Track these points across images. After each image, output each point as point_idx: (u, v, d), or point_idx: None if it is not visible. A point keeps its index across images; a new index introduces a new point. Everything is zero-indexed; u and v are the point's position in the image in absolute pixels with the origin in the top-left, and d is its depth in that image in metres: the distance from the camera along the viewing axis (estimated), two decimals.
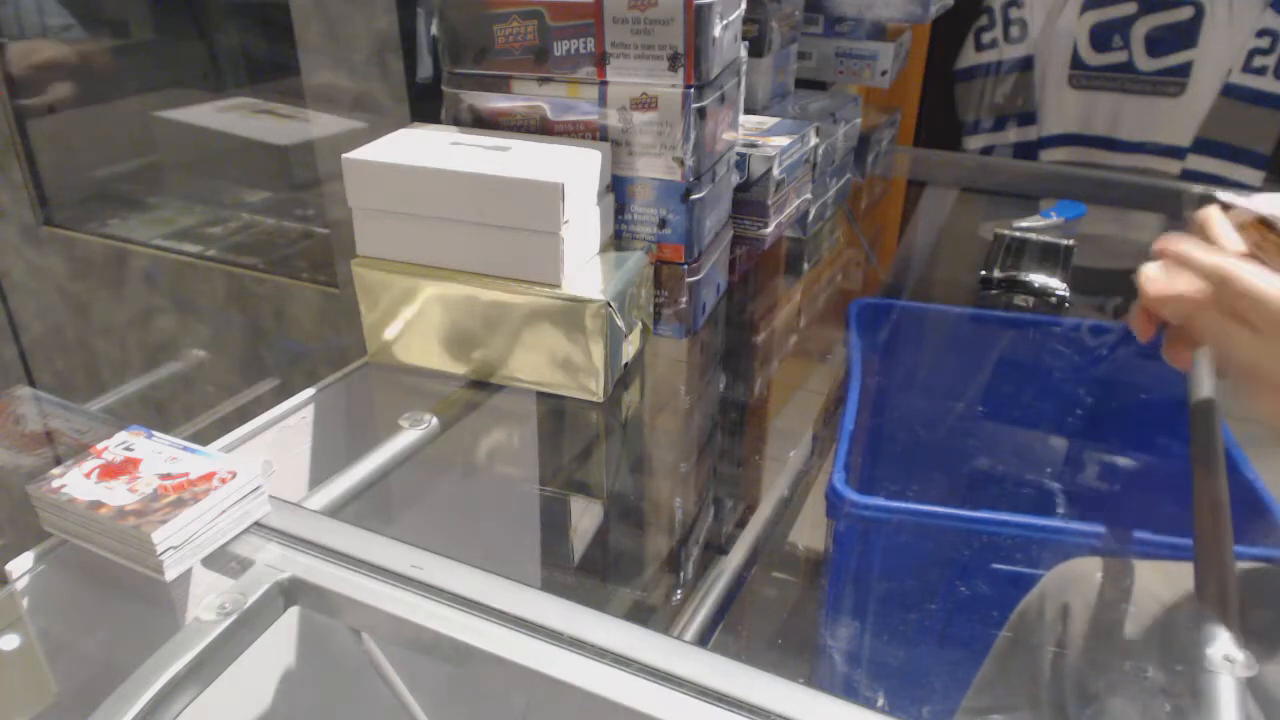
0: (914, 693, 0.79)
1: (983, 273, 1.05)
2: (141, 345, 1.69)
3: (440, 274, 0.71)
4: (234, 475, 0.53)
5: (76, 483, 0.52)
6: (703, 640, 0.65)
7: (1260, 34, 1.36)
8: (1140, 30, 1.42)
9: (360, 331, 0.75)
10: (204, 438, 0.60)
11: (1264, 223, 0.56)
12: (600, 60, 0.71)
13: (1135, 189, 1.35)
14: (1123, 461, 1.00)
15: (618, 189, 0.75)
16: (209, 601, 0.48)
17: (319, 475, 0.70)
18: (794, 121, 0.97)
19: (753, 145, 0.87)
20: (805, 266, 1.09)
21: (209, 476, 0.53)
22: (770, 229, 0.90)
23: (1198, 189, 1.29)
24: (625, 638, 0.46)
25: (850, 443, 0.80)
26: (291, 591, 0.51)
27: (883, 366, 1.00)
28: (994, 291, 1.04)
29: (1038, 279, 1.04)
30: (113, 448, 0.55)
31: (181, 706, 0.45)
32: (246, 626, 0.49)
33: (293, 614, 0.51)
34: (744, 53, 0.84)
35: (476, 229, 0.69)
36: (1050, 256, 1.08)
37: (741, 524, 0.78)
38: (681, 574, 0.89)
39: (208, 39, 1.58)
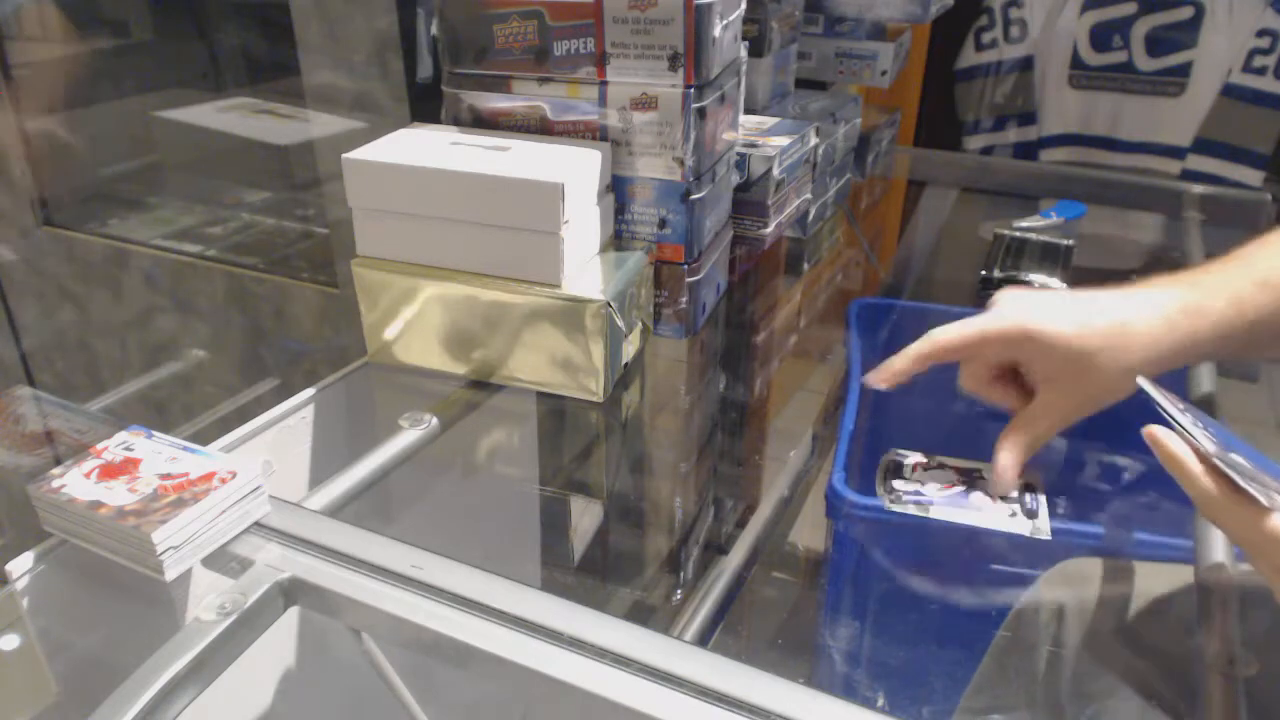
0: (914, 693, 0.79)
1: (983, 273, 1.05)
2: (141, 345, 1.69)
3: (440, 274, 0.71)
4: (234, 475, 0.53)
5: (76, 483, 0.52)
6: (703, 640, 0.65)
7: (1260, 34, 1.36)
8: (1140, 30, 1.42)
9: (360, 331, 0.75)
10: (204, 438, 0.60)
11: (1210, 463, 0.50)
12: (600, 60, 0.71)
13: (1135, 189, 1.35)
14: (1123, 461, 1.00)
15: (618, 189, 0.75)
16: (209, 601, 0.48)
17: (319, 475, 0.70)
18: (794, 121, 0.97)
19: (753, 145, 0.87)
20: (805, 266, 1.09)
21: (209, 476, 0.53)
22: (770, 229, 0.90)
23: (1198, 189, 1.29)
24: (625, 638, 0.46)
25: (850, 443, 0.80)
26: (291, 591, 0.51)
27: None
28: (994, 291, 1.04)
29: (1038, 279, 1.04)
30: (113, 448, 0.55)
31: (181, 706, 0.45)
32: (246, 626, 0.49)
33: (293, 614, 0.51)
34: (744, 53, 0.84)
35: (476, 229, 0.69)
36: (1050, 256, 1.08)
37: (741, 524, 0.78)
38: (681, 574, 0.89)
39: (208, 39, 1.58)
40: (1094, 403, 0.59)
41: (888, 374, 0.65)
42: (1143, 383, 0.55)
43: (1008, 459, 0.61)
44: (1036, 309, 0.60)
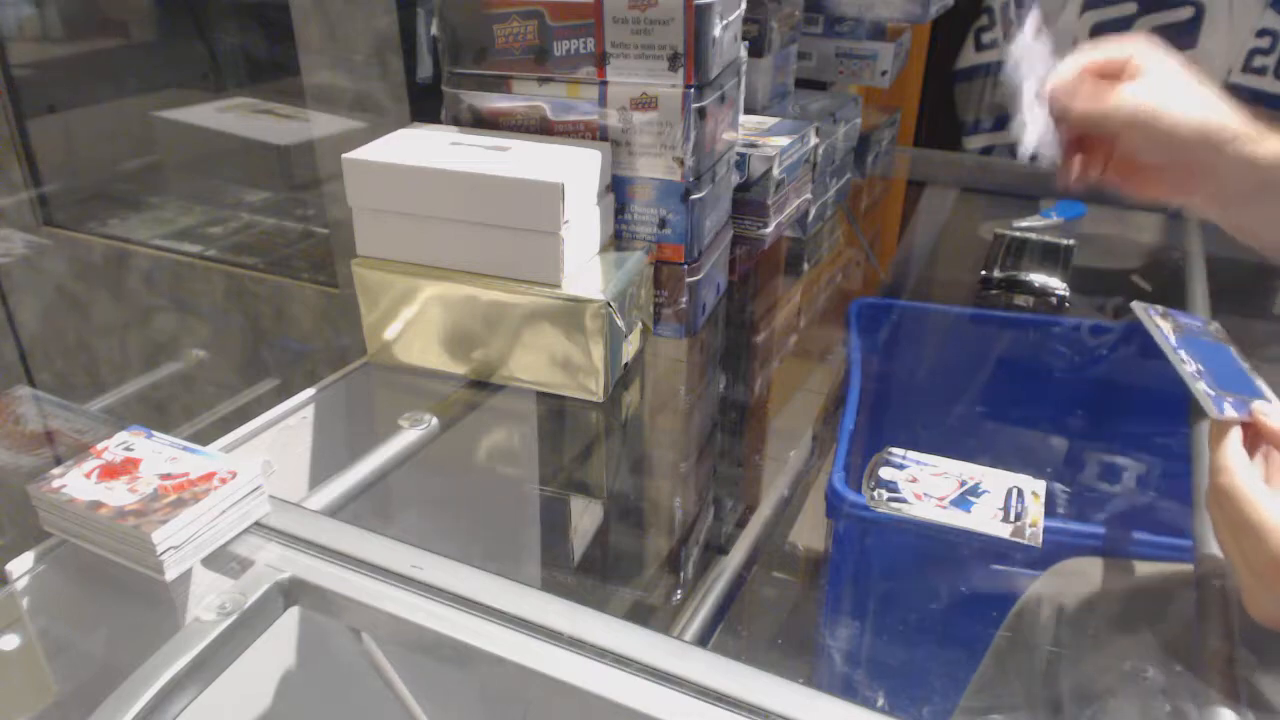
0: (914, 693, 0.79)
1: (983, 273, 1.05)
2: (141, 345, 1.69)
3: (440, 274, 0.71)
4: (234, 475, 0.53)
5: (76, 483, 0.52)
6: (703, 640, 0.65)
7: (1260, 34, 1.36)
8: (1140, 30, 1.42)
9: (360, 331, 0.75)
10: (204, 438, 0.60)
11: None
12: (600, 60, 0.71)
13: None
14: (1123, 461, 1.00)
15: (618, 189, 0.75)
16: (209, 601, 0.48)
17: (319, 475, 0.70)
18: (794, 121, 0.97)
19: (753, 145, 0.87)
20: (805, 266, 1.09)
21: (209, 476, 0.53)
22: (770, 229, 0.90)
23: None
24: (625, 638, 0.46)
25: (850, 443, 0.80)
26: (291, 591, 0.51)
27: (883, 366, 1.00)
28: (994, 291, 1.04)
29: (1038, 279, 1.04)
30: (113, 448, 0.55)
31: (181, 706, 0.45)
32: (246, 626, 0.49)
33: (293, 614, 0.51)
34: (744, 53, 0.84)
35: (476, 229, 0.69)
36: (1050, 256, 1.09)
37: (741, 524, 0.78)
38: (681, 574, 0.89)
39: (208, 39, 1.58)
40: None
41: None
42: (1136, 309, 0.59)
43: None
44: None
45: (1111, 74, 0.62)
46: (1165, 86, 0.60)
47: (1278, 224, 0.62)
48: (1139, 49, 0.62)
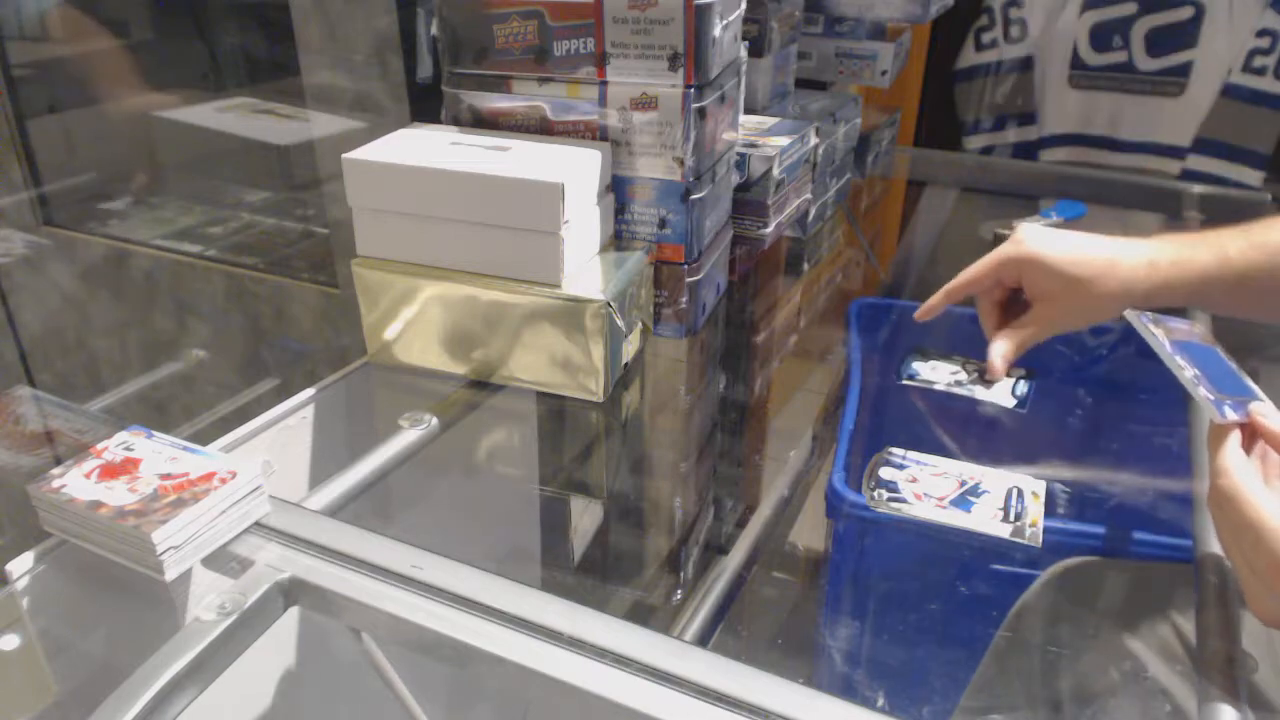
0: (914, 693, 0.79)
1: None
2: (141, 345, 1.69)
3: (440, 274, 0.71)
4: (234, 475, 0.53)
5: (76, 483, 0.52)
6: (703, 640, 0.65)
7: (1260, 34, 1.36)
8: (1140, 30, 1.42)
9: (360, 331, 0.75)
10: (204, 438, 0.60)
11: None
12: (600, 60, 0.71)
13: (1135, 189, 1.35)
14: (1123, 461, 1.00)
15: (618, 189, 0.75)
16: (209, 601, 0.48)
17: (319, 475, 0.70)
18: (794, 121, 0.97)
19: (753, 145, 0.87)
20: (805, 266, 1.09)
21: (209, 476, 0.53)
22: (770, 229, 0.90)
23: (1198, 189, 1.29)
24: (625, 638, 0.46)
25: (850, 443, 0.80)
26: (291, 591, 0.51)
27: (883, 366, 1.00)
28: None
29: None
30: (113, 448, 0.55)
31: (181, 706, 0.45)
32: (246, 626, 0.49)
33: (293, 614, 0.52)
34: (744, 53, 0.84)
35: (476, 229, 0.69)
36: None
37: (741, 524, 0.78)
38: (681, 574, 0.89)
39: (208, 39, 1.58)
40: (1078, 319, 0.70)
41: (925, 309, 0.77)
42: (1130, 316, 0.63)
43: (1000, 349, 0.70)
44: (1044, 239, 0.70)
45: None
46: (1043, 237, 0.70)
47: (1245, 308, 0.70)
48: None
